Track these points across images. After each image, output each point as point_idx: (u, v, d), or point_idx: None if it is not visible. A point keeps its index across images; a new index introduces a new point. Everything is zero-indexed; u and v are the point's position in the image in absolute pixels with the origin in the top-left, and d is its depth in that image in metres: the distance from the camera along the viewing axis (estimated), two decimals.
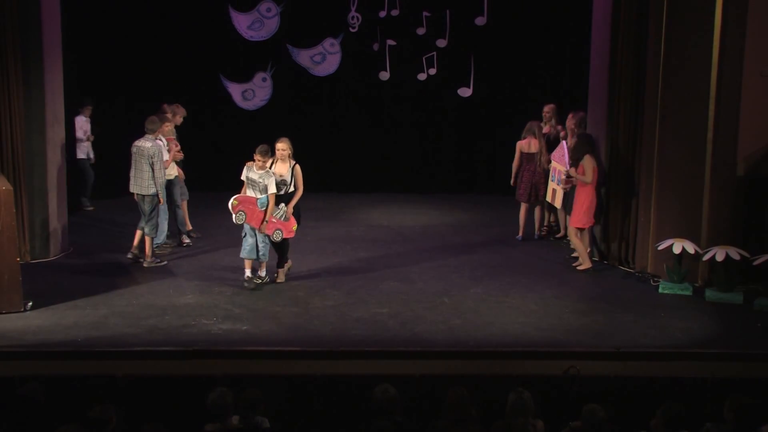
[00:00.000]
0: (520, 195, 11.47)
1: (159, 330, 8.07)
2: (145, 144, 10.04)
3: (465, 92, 14.25)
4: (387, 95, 14.40)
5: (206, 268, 10.09)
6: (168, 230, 10.81)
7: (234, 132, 14.39)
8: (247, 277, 9.28)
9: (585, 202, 10.06)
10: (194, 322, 8.27)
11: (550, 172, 11.26)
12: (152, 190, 10.00)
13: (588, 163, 9.97)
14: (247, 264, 9.29)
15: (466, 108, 14.43)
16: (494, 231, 12.11)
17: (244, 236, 9.29)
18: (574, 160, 10.02)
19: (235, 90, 14.21)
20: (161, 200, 10.13)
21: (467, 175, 14.69)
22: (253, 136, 14.44)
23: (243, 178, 9.26)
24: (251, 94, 14.22)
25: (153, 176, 9.96)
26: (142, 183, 10.04)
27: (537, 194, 11.38)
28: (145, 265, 10.10)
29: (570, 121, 11.12)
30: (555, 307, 8.89)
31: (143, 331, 8.03)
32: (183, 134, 11.47)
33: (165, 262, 10.24)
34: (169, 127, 10.67)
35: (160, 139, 10.40)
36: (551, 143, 11.45)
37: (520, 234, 11.56)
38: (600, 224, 10.51)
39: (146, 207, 10.07)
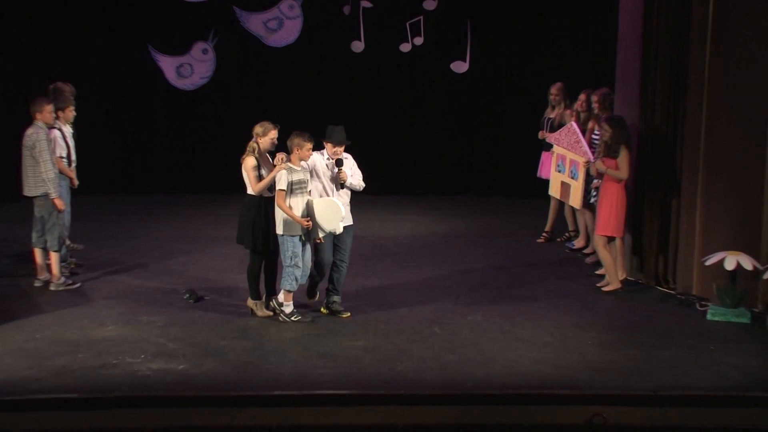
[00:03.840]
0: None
1: (70, 372, 7.97)
2: (27, 132, 9.97)
3: (460, 67, 14.22)
4: (361, 72, 14.38)
5: (132, 292, 10.04)
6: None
7: (167, 119, 14.31)
8: (294, 311, 9.24)
9: (615, 203, 10.05)
10: (116, 361, 8.19)
11: (554, 160, 11.38)
12: (40, 190, 9.91)
13: (625, 155, 9.98)
14: (291, 296, 9.24)
15: (461, 87, 14.43)
16: (498, 242, 12.11)
17: (294, 265, 9.08)
18: (611, 152, 9.98)
19: (167, 65, 14.11)
20: (56, 204, 9.94)
21: (463, 173, 14.69)
22: (191, 123, 14.64)
23: (284, 187, 8.95)
24: (188, 69, 14.14)
25: (39, 172, 9.84)
26: (28, 182, 9.99)
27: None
28: (51, 287, 10.03)
29: (580, 102, 11.24)
30: (575, 338, 8.89)
31: (49, 374, 7.92)
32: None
33: (78, 284, 10.17)
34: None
35: (58, 127, 10.28)
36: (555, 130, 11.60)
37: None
38: (631, 233, 10.50)
39: (41, 213, 9.97)
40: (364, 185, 9.39)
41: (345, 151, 9.26)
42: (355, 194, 9.46)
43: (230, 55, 14.27)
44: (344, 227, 9.21)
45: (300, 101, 14.26)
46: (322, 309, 9.46)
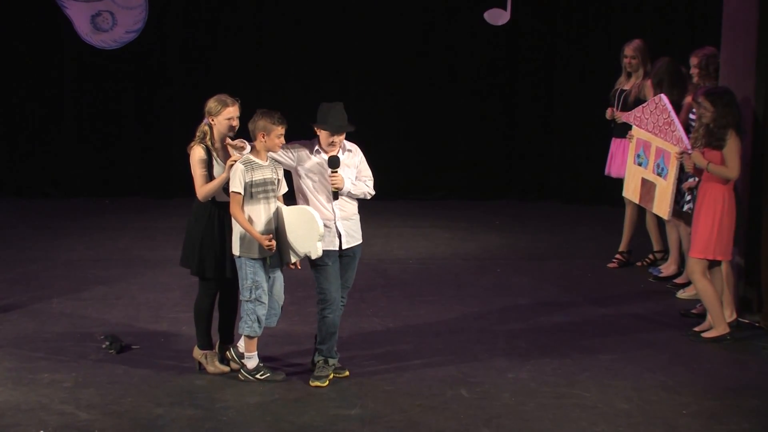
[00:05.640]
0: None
1: None
2: None
3: (498, 17, 14.13)
4: (355, 25, 14.44)
5: (26, 339, 10.05)
6: None
7: (78, 90, 14.25)
8: (260, 366, 9.23)
9: (720, 213, 10.01)
10: None
11: (632, 149, 11.43)
12: None
13: (734, 144, 9.89)
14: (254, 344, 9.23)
15: (498, 47, 14.44)
16: (550, 268, 12.27)
17: (255, 299, 9.06)
18: (714, 139, 9.90)
19: (78, 13, 14.09)
20: None
21: (500, 168, 14.71)
22: (115, 97, 14.56)
23: (239, 189, 8.90)
24: (108, 20, 14.10)
25: None
26: None
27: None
28: None
29: (664, 65, 11.29)
30: (662, 405, 8.83)
31: None
32: None
33: None
34: None
35: None
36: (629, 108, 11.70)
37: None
38: (744, 256, 10.50)
39: None
40: (373, 192, 9.25)
41: (350, 140, 9.10)
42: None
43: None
44: (349, 250, 9.16)
45: (270, 67, 14.25)
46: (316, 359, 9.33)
